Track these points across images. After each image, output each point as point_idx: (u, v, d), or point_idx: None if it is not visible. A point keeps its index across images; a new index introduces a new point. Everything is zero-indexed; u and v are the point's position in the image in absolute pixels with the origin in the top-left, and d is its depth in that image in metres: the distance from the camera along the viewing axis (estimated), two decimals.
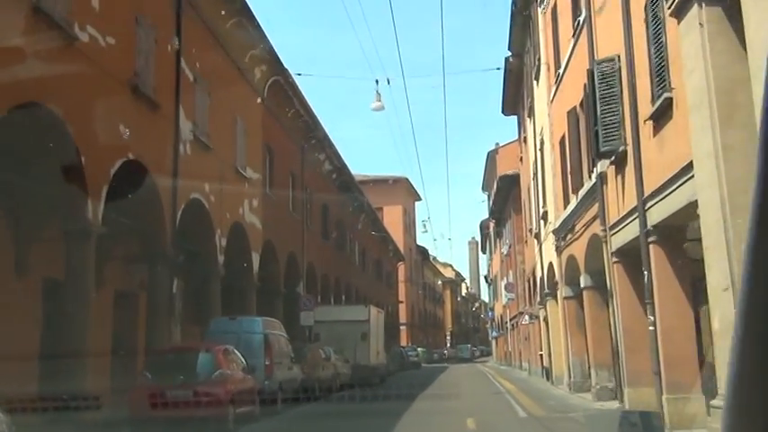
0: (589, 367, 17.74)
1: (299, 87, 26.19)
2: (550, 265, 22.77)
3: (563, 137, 18.81)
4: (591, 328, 17.09)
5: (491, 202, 55.16)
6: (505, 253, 44.78)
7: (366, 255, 48.33)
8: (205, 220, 18.33)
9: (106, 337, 15.46)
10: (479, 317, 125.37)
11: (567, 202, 18.80)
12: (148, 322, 15.75)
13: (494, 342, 68.92)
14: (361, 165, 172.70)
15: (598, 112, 12.75)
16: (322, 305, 30.29)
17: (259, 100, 23.57)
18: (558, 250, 20.30)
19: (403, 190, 70.93)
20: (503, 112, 35.80)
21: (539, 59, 23.05)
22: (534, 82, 24.87)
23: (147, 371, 13.24)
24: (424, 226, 63.87)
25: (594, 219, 15.22)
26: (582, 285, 17.37)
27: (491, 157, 53.36)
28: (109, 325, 15.93)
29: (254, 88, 22.98)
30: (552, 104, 20.45)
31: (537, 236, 26.66)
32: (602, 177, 13.97)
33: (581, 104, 16.54)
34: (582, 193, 16.32)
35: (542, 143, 23.24)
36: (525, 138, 30.52)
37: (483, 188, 62.92)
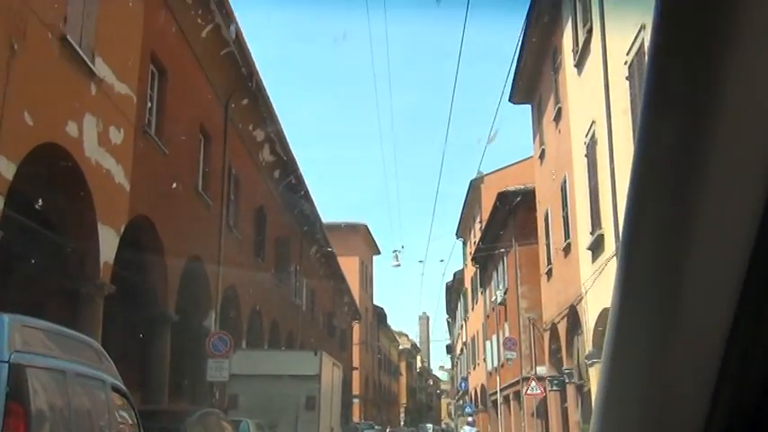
0: None
1: None
2: None
3: None
4: None
5: (471, 244, 45.09)
6: (498, 301, 34.35)
7: (316, 300, 37.17)
8: None
9: None
10: (435, 393, 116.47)
11: None
12: None
13: (468, 420, 57.43)
14: None
15: None
16: (244, 350, 19.22)
17: None
18: None
19: (361, 239, 61.47)
20: (510, 99, 25.71)
21: None
22: None
23: None
24: (396, 258, 52.07)
25: None
26: None
27: (474, 188, 43.55)
28: None
29: None
30: None
31: (595, 247, 16.41)
32: None
33: None
34: None
35: None
36: (559, 113, 20.56)
37: (457, 234, 52.90)
